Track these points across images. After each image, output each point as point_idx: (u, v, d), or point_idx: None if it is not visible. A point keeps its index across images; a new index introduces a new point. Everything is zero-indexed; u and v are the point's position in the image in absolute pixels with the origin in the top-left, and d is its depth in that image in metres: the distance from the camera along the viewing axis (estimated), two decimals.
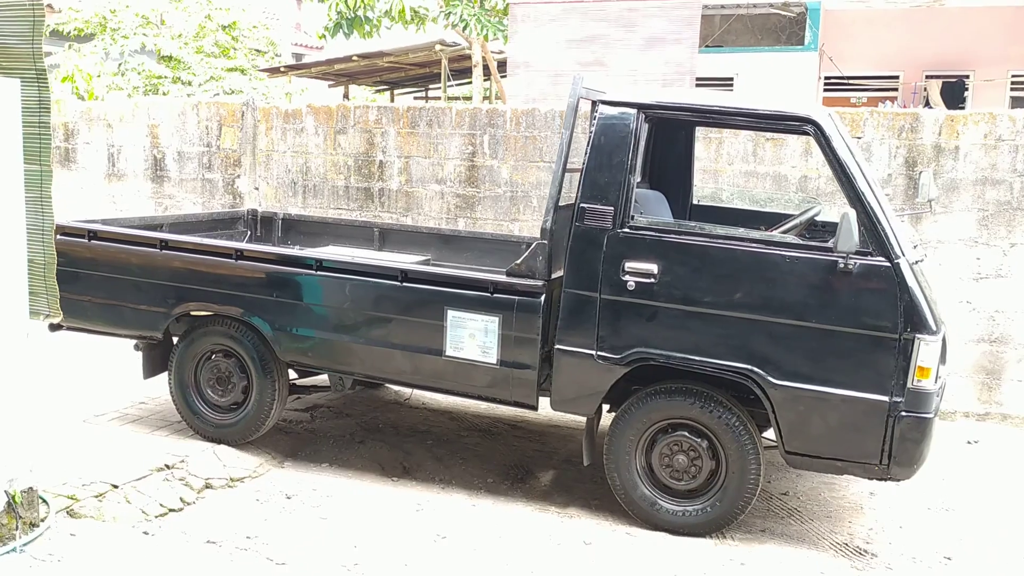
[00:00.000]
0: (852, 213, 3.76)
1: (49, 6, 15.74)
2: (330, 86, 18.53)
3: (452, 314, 4.39)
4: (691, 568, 3.84)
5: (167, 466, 4.44)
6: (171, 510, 4.12)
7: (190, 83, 14.57)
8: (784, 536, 4.24)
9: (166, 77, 14.47)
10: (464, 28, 12.23)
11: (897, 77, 12.80)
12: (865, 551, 4.11)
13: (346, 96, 18.15)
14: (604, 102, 4.25)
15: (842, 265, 3.79)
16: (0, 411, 3.64)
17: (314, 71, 16.41)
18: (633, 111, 4.19)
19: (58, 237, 4.88)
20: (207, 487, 4.40)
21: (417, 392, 6.02)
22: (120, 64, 14.10)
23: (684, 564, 3.87)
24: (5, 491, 3.65)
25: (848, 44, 12.26)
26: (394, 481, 4.69)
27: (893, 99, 12.29)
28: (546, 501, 4.52)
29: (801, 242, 3.97)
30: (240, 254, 4.77)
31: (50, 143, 3.93)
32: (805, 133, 4.07)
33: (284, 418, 5.38)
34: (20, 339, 3.72)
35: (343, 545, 3.87)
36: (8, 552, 3.51)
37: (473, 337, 4.36)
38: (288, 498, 4.36)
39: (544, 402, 4.39)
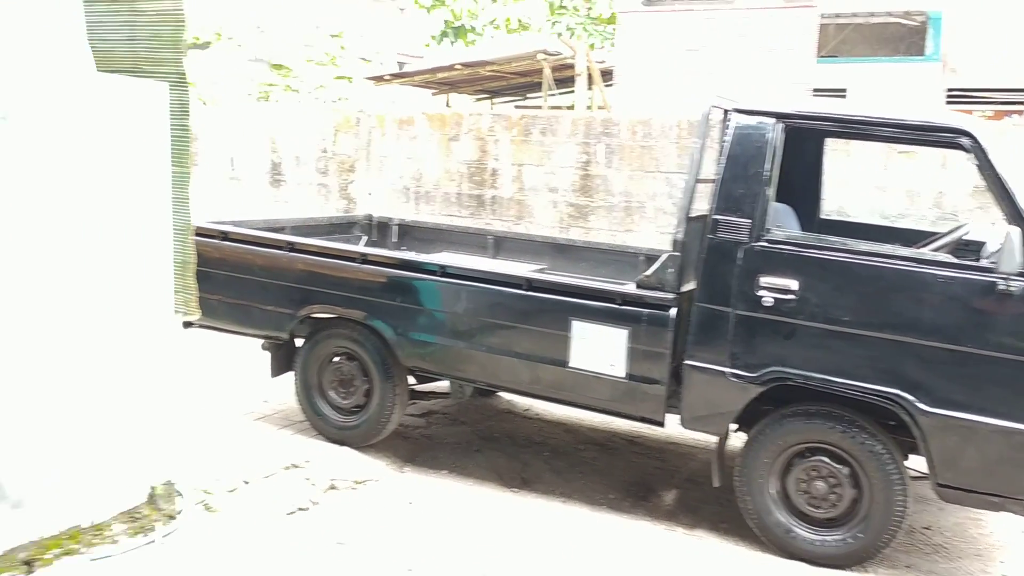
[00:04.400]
0: (1017, 231, 3.54)
1: None
2: (433, 94, 18.75)
3: (577, 325, 4.31)
4: None
5: (294, 465, 4.51)
6: (299, 508, 4.16)
7: (299, 91, 14.98)
8: (932, 574, 4.00)
9: (277, 84, 14.92)
10: (571, 36, 12.22)
11: None
12: None
13: (447, 104, 18.35)
14: (740, 111, 4.12)
15: (1003, 287, 3.57)
16: (147, 407, 3.75)
17: (417, 79, 16.62)
18: (771, 120, 4.05)
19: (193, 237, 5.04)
20: (331, 488, 4.43)
21: (531, 402, 5.97)
22: (235, 72, 14.60)
23: None
24: (150, 484, 3.76)
25: (973, 55, 11.72)
26: (514, 492, 4.64)
27: (1021, 112, 11.70)
28: (672, 521, 4.40)
29: (958, 261, 3.75)
30: (365, 258, 4.81)
31: (189, 146, 4.03)
32: (959, 147, 3.84)
33: (400, 423, 5.40)
34: (165, 337, 3.83)
35: (469, 553, 3.84)
36: (149, 543, 3.60)
37: (599, 349, 4.27)
38: (410, 503, 4.36)
39: (670, 419, 4.27)
